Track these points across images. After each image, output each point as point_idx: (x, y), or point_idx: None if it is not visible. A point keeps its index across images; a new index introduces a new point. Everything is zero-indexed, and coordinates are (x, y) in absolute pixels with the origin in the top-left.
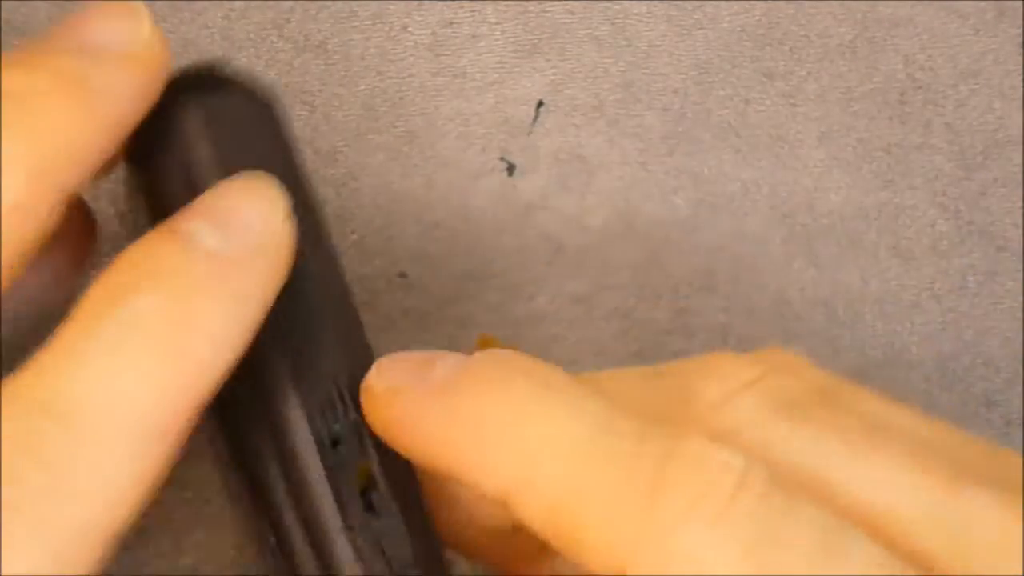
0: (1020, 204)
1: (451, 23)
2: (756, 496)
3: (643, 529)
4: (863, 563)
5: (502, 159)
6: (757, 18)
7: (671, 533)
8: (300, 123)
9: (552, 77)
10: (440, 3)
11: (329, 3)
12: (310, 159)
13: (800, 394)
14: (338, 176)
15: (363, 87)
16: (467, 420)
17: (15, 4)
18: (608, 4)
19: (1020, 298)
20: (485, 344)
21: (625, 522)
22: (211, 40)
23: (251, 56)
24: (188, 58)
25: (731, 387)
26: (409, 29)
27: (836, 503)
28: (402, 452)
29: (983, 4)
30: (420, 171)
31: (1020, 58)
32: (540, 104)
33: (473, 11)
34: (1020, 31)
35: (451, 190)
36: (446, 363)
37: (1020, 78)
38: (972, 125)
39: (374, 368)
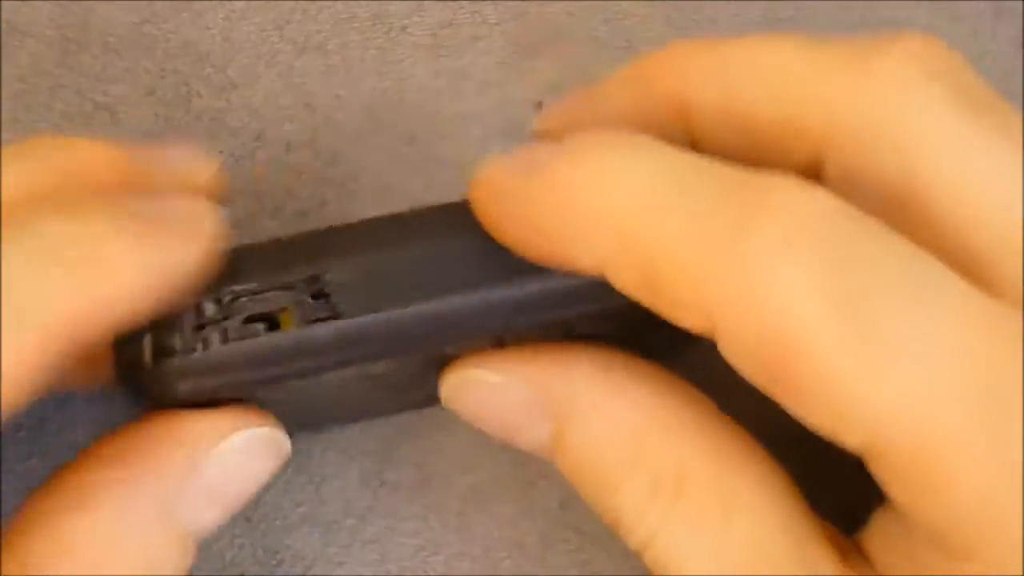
0: None
1: (451, 24)
2: (843, 236)
3: (729, 270)
4: (954, 299)
5: None
6: (756, 19)
7: (756, 273)
8: (300, 124)
9: (552, 78)
10: (440, 4)
11: (329, 4)
12: (310, 160)
13: (983, 92)
14: (338, 177)
15: (363, 88)
16: (560, 197)
17: (16, 4)
18: (608, 5)
19: None
20: None
21: (711, 264)
22: (212, 41)
23: (251, 57)
24: (189, 58)
25: (917, 71)
26: (409, 30)
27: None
28: (510, 244)
29: (981, 5)
30: (420, 172)
31: (1019, 59)
32: (540, 105)
33: (473, 12)
34: (1018, 32)
35: (451, 191)
36: (543, 147)
37: (1019, 79)
38: None
39: (482, 164)
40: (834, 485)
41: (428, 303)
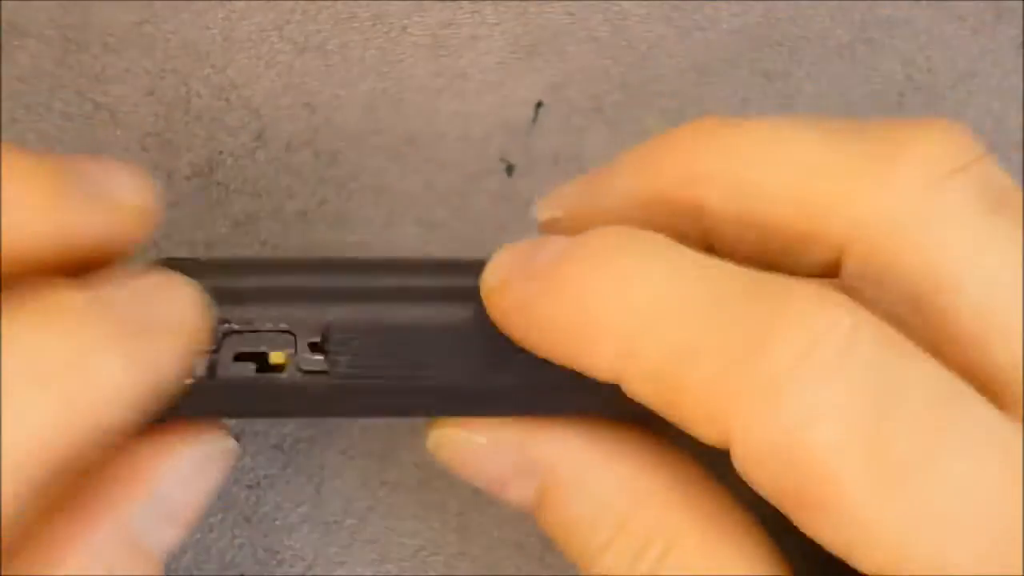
0: None
1: (451, 24)
2: (866, 354)
3: (745, 389)
4: (975, 425)
5: (502, 160)
6: (756, 19)
7: (772, 394)
8: (300, 124)
9: (552, 78)
10: (440, 4)
11: (329, 4)
12: (310, 160)
13: (1008, 189)
14: (338, 177)
15: (363, 88)
16: (571, 298)
17: (16, 4)
18: (608, 5)
19: None
20: None
21: (728, 381)
22: (212, 41)
23: (251, 57)
24: (188, 58)
25: (940, 169)
26: (409, 30)
27: None
28: (520, 342)
29: (982, 5)
30: (420, 172)
31: (1019, 59)
32: (540, 105)
33: (473, 12)
34: (1019, 32)
35: (451, 191)
36: (551, 247)
37: (1019, 79)
38: (971, 126)
39: (490, 262)
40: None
41: (425, 380)
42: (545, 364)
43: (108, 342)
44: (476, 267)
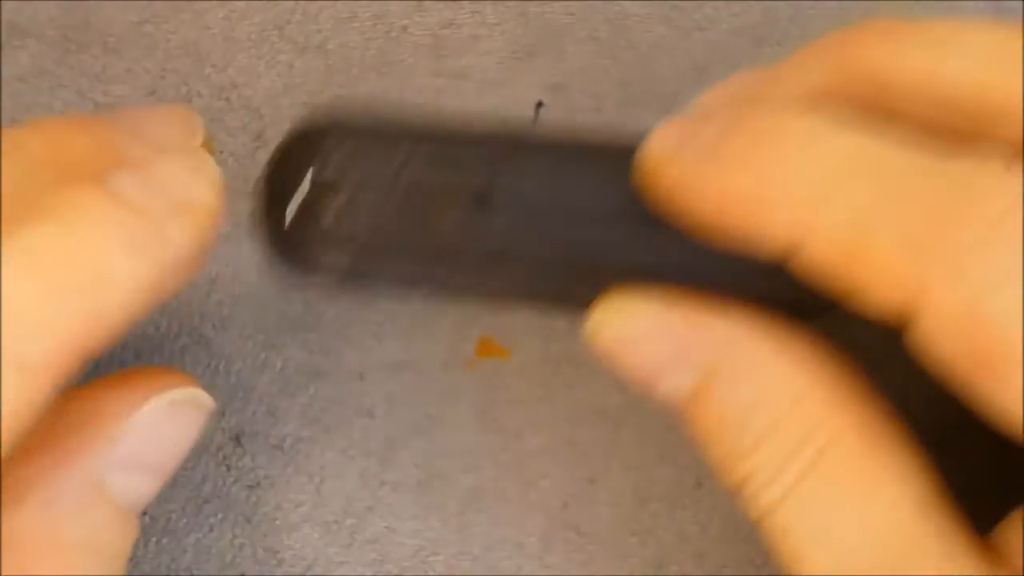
0: None
1: (451, 24)
2: None
3: (939, 252)
4: None
5: None
6: (756, 19)
7: (964, 259)
8: None
9: (552, 78)
10: (440, 4)
11: (330, 4)
12: None
13: None
14: None
15: (363, 88)
16: (746, 170)
17: (17, 4)
18: (608, 5)
19: None
20: (485, 345)
21: (918, 245)
22: (212, 41)
23: (252, 57)
24: (189, 58)
25: None
26: (409, 30)
27: None
28: (683, 221)
29: (981, 5)
30: None
31: None
32: (540, 105)
33: (473, 12)
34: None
35: None
36: (721, 117)
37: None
38: None
39: (653, 134)
40: (965, 487)
41: (582, 242)
42: (699, 248)
43: (107, 228)
44: (626, 148)
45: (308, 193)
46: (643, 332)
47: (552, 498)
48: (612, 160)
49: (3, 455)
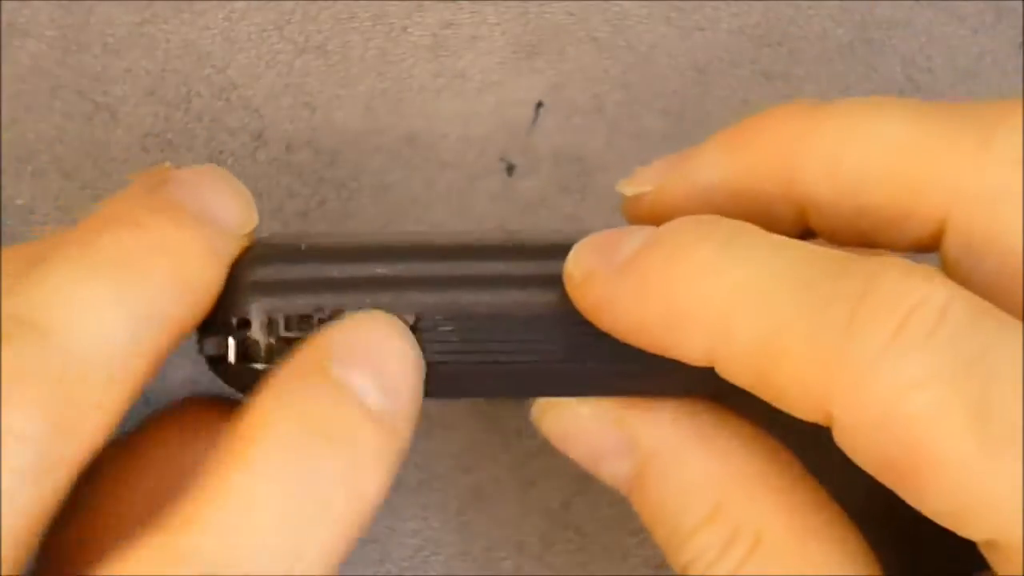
0: None
1: (451, 24)
2: (961, 322)
3: (842, 366)
4: None
5: (502, 160)
6: (756, 19)
7: (870, 368)
8: (300, 124)
9: (552, 78)
10: (440, 4)
11: (329, 4)
12: (310, 160)
13: None
14: (338, 177)
15: (363, 88)
16: (658, 289)
17: (17, 5)
18: (608, 5)
19: None
20: None
21: (824, 360)
22: (212, 41)
23: (252, 57)
24: (189, 59)
25: None
26: (409, 30)
27: None
28: (609, 332)
29: (982, 5)
30: (420, 172)
31: (1019, 59)
32: (540, 105)
33: (473, 12)
34: (1019, 32)
35: (451, 191)
36: (633, 238)
37: (1019, 79)
38: None
39: (571, 255)
40: (919, 554)
41: (514, 364)
42: (635, 349)
43: (181, 230)
44: (560, 250)
45: (248, 329)
46: (580, 427)
47: (552, 498)
48: (543, 262)
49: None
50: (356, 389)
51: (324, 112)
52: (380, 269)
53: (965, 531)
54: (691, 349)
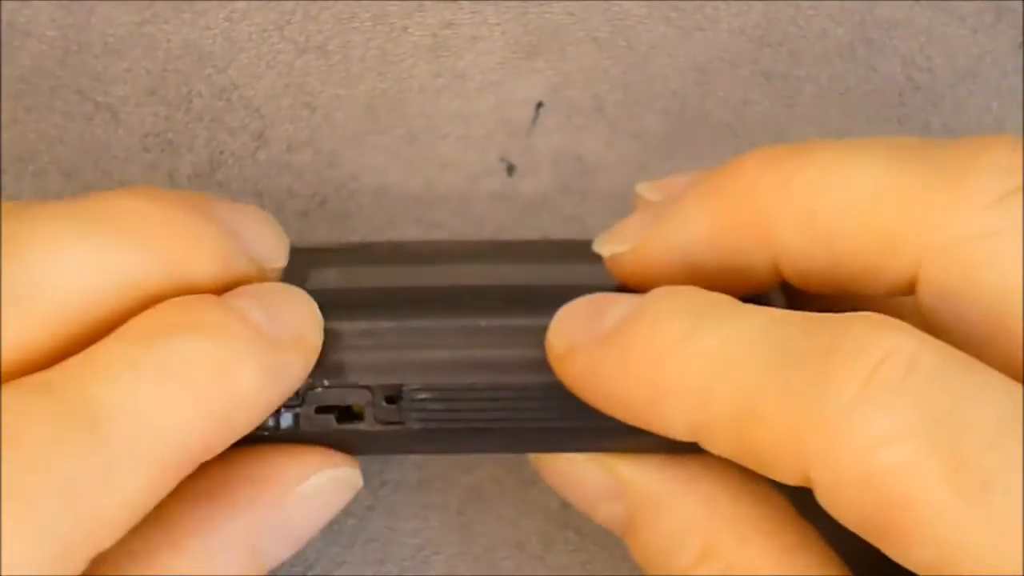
0: None
1: (451, 24)
2: (930, 371)
3: (815, 424)
4: None
5: (502, 160)
6: (756, 20)
7: (841, 424)
8: (301, 124)
9: (552, 78)
10: (440, 4)
11: (330, 4)
12: (310, 160)
13: None
14: (338, 177)
15: (363, 88)
16: (639, 362)
17: (17, 5)
18: (608, 5)
19: None
20: None
21: (797, 420)
22: (213, 41)
23: (252, 57)
24: (190, 59)
25: (1006, 186)
26: (409, 30)
27: None
28: (595, 406)
29: (982, 5)
30: (420, 172)
31: (1019, 59)
32: (540, 105)
33: (473, 12)
34: (1019, 32)
35: (451, 191)
36: (615, 309)
37: (1019, 79)
38: (970, 126)
39: (553, 325)
40: None
41: (499, 424)
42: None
43: (248, 351)
44: (543, 304)
45: None
46: (574, 475)
47: (552, 498)
48: (527, 317)
49: (118, 536)
50: (240, 306)
51: (324, 112)
52: (364, 341)
53: None
54: (674, 423)
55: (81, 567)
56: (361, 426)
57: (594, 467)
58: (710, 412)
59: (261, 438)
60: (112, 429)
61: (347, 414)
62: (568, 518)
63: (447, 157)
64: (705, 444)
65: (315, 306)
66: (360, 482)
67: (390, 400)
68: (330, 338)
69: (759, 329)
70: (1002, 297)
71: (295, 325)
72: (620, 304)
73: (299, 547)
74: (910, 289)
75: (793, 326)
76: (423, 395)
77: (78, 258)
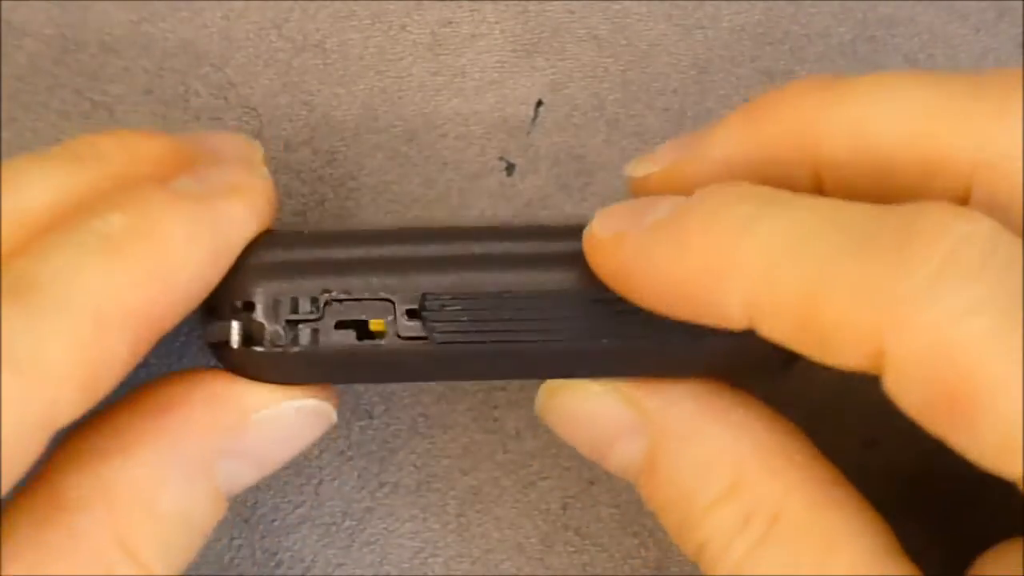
0: None
1: (450, 23)
2: (1009, 254)
3: (893, 299)
4: None
5: (501, 159)
6: (757, 17)
7: (922, 298)
8: (299, 123)
9: (552, 77)
10: (439, 3)
11: (328, 2)
12: (309, 159)
13: None
14: (337, 176)
15: (362, 86)
16: (698, 247)
17: (14, 3)
18: (608, 3)
19: None
20: None
21: (873, 295)
22: (210, 40)
23: (250, 56)
24: (187, 57)
25: None
26: (408, 28)
27: None
28: (634, 298)
29: (983, 4)
30: (419, 171)
31: (1020, 58)
32: (540, 104)
33: (472, 11)
34: (1020, 31)
35: (451, 190)
36: (666, 203)
37: None
38: None
39: (596, 218)
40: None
41: (523, 344)
42: (649, 326)
43: (169, 210)
44: (568, 231)
45: (252, 313)
46: (590, 408)
47: (552, 499)
48: (552, 242)
49: (89, 401)
50: (170, 182)
51: (323, 111)
52: (386, 251)
53: (1009, 471)
54: (729, 307)
55: (42, 438)
56: (383, 342)
57: (615, 401)
58: (775, 292)
59: (275, 355)
60: (42, 296)
61: (367, 333)
62: (568, 520)
63: (446, 156)
64: (763, 327)
65: (257, 151)
66: (333, 417)
67: (412, 314)
68: (353, 259)
69: (828, 213)
70: None
71: (233, 178)
72: (669, 199)
73: (264, 474)
74: (958, 203)
75: (863, 211)
76: (448, 305)
77: (31, 182)
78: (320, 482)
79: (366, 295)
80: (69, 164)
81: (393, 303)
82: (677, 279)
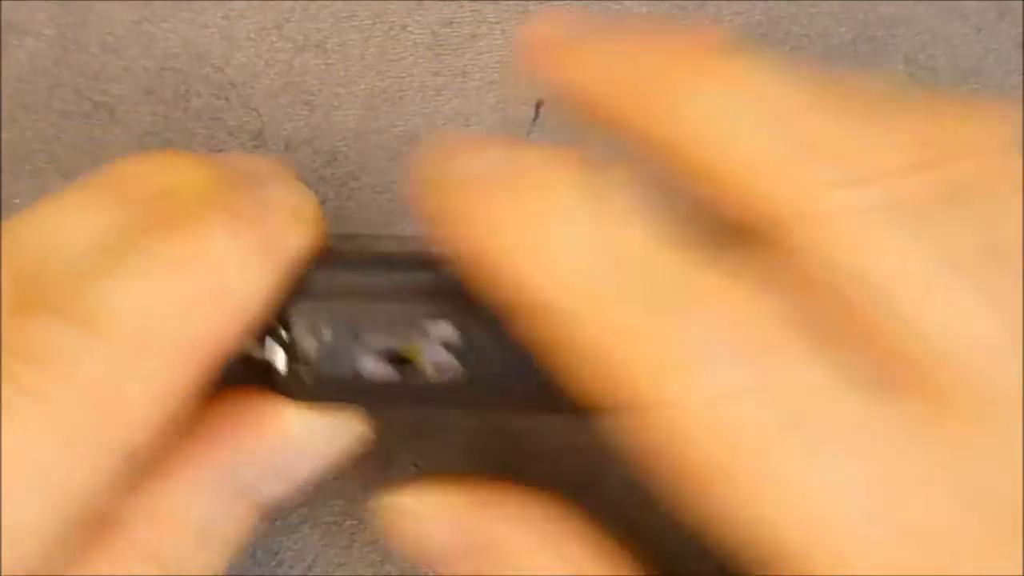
0: None
1: (451, 22)
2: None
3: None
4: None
5: None
6: (757, 18)
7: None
8: (300, 123)
9: None
10: (440, 2)
11: (329, 3)
12: (309, 159)
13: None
14: (338, 176)
15: (363, 86)
16: (505, 220)
17: (15, 3)
18: (608, 4)
19: None
20: None
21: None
22: (211, 40)
23: (251, 56)
24: (188, 57)
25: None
26: (409, 28)
27: None
28: (452, 247)
29: (984, 4)
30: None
31: (1021, 58)
32: (540, 104)
33: (473, 10)
34: (1020, 31)
35: None
36: (496, 152)
37: (1021, 78)
38: None
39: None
40: None
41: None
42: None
43: (226, 232)
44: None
45: (292, 339)
46: (415, 525)
47: None
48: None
49: (153, 429)
50: (221, 201)
51: (323, 111)
52: (425, 276)
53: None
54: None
55: (118, 462)
56: (419, 370)
57: (443, 519)
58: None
59: (315, 378)
60: (114, 328)
61: (403, 360)
62: None
63: None
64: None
65: (290, 173)
66: (365, 433)
67: (449, 344)
68: (394, 284)
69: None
70: (841, 273)
71: (277, 197)
72: (500, 148)
73: (294, 487)
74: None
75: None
76: (485, 336)
77: (65, 219)
78: (321, 482)
79: (405, 322)
80: (116, 195)
81: (430, 331)
82: (490, 240)
